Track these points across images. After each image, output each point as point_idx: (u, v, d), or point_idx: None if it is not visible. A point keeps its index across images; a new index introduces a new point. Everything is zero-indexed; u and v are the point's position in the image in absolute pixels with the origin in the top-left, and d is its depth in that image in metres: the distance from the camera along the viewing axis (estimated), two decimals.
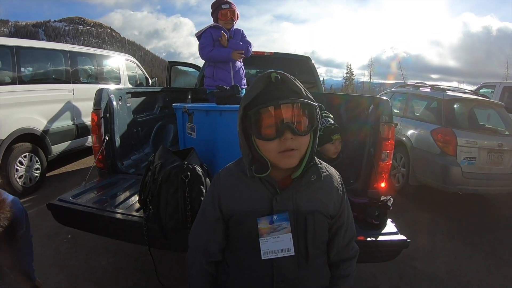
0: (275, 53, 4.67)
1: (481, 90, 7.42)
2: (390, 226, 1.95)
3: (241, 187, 1.02)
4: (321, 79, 5.10)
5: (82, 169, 5.39)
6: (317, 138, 1.01)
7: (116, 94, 2.64)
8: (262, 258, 0.97)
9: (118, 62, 6.93)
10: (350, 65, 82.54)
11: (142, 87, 6.87)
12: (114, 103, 2.57)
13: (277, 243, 0.98)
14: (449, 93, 4.87)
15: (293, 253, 0.98)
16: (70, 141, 5.07)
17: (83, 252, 2.88)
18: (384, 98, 2.53)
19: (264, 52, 4.65)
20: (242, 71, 3.46)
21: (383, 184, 2.37)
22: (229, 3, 3.24)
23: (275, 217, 0.98)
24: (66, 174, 5.15)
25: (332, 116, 2.35)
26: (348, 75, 65.10)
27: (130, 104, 2.93)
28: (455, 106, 4.67)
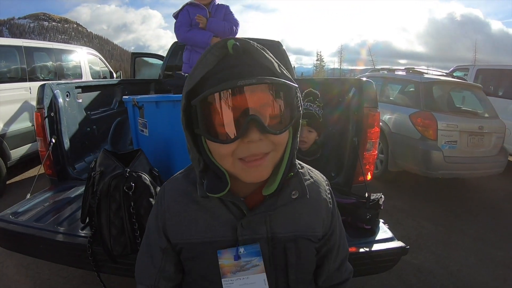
0: (245, 39, 4.42)
1: (455, 73, 7.45)
2: (384, 231, 1.68)
3: (192, 209, 0.73)
4: (292, 66, 4.89)
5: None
6: (298, 136, 0.70)
7: (62, 90, 2.29)
8: None
9: (79, 57, 6.55)
10: (320, 52, 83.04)
11: (95, 80, 6.40)
12: (60, 100, 2.23)
13: (246, 285, 0.70)
14: (426, 75, 4.76)
15: None
16: (30, 144, 4.66)
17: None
18: (367, 79, 2.25)
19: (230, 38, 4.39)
20: None
21: (369, 177, 2.13)
22: None
23: (241, 250, 0.70)
24: (28, 180, 4.72)
25: (321, 105, 2.08)
26: (319, 62, 65.34)
27: (81, 100, 2.60)
28: (433, 89, 4.54)
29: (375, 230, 1.67)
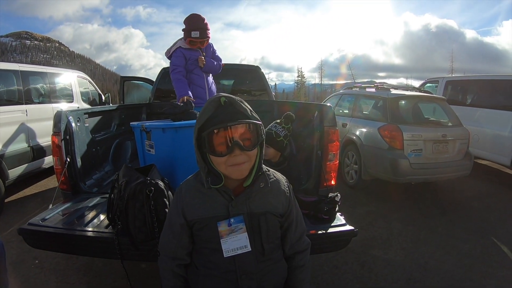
0: (226, 65, 4.80)
1: (426, 85, 7.93)
2: (339, 219, 2.13)
3: (200, 197, 1.17)
4: (273, 83, 5.32)
5: (41, 192, 5.20)
6: (263, 151, 1.17)
7: (74, 116, 2.68)
8: (224, 256, 1.13)
9: (70, 80, 6.75)
10: (301, 68, 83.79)
11: (99, 107, 6.69)
12: (73, 124, 2.61)
13: (235, 242, 1.13)
14: (393, 91, 5.24)
15: (250, 249, 1.14)
16: (26, 164, 4.86)
17: (53, 275, 2.83)
18: (328, 104, 2.78)
19: None
20: (214, 86, 3.52)
21: (332, 182, 2.58)
22: (202, 29, 3.12)
23: (232, 220, 1.14)
24: (25, 198, 4.95)
25: (289, 127, 2.59)
26: (300, 78, 66.15)
27: (88, 124, 2.97)
28: (399, 103, 5.03)
29: (331, 219, 2.12)
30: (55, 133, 2.48)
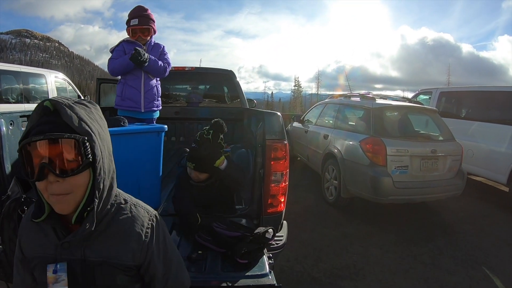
0: (197, 68, 4.41)
1: (419, 97, 7.58)
2: (261, 267, 1.63)
3: (35, 229, 0.94)
4: (270, 92, 4.96)
5: None
6: (100, 178, 0.86)
7: (7, 119, 2.41)
8: None
9: (46, 80, 6.63)
10: (298, 78, 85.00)
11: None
12: (3, 128, 2.35)
13: None
14: (378, 101, 4.78)
15: None
16: None
17: None
18: (277, 112, 2.23)
19: (185, 67, 4.40)
20: (157, 90, 3.11)
21: (280, 207, 2.12)
22: (141, 17, 2.85)
23: (58, 266, 0.90)
24: None
25: (220, 141, 2.21)
26: (296, 87, 66.92)
27: (24, 128, 2.58)
28: (384, 114, 4.56)
29: (250, 265, 1.62)
30: None
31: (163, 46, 3.05)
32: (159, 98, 3.14)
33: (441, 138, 4.66)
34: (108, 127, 2.05)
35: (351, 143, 4.58)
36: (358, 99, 5.29)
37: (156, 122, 3.12)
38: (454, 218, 4.63)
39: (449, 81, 56.08)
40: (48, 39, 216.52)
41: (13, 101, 5.38)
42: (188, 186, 2.20)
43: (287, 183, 2.15)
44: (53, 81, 6.84)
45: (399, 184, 4.00)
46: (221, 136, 2.19)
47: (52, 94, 6.64)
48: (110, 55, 2.90)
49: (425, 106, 5.35)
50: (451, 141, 4.60)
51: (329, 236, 3.82)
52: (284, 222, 2.24)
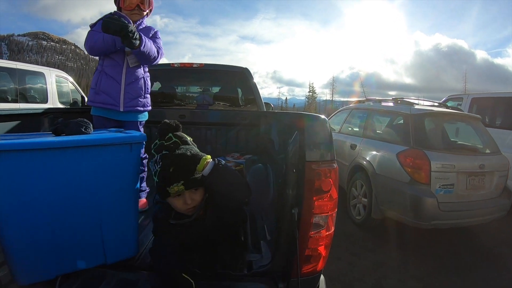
0: (206, 65, 3.68)
1: (448, 104, 6.92)
2: None
3: None
4: (284, 98, 4.30)
5: None
6: None
7: None
8: None
9: (46, 79, 6.17)
10: (313, 83, 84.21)
11: (14, 109, 6.08)
12: None
13: None
14: (417, 107, 4.12)
15: None
16: None
17: None
18: (322, 116, 1.44)
19: (193, 63, 3.67)
20: (144, 85, 2.25)
21: (319, 266, 1.41)
22: None
23: None
24: None
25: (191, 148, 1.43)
26: (311, 93, 66.24)
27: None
28: (425, 122, 3.87)
29: None
30: None
31: (157, 30, 2.28)
32: (148, 95, 2.29)
33: (488, 151, 3.98)
34: (64, 133, 1.39)
35: (385, 155, 3.93)
36: (391, 104, 4.64)
37: (144, 128, 2.33)
38: (495, 242, 3.99)
39: (466, 88, 54.66)
40: (65, 41, 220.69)
41: (3, 101, 5.11)
42: (170, 228, 1.43)
43: (333, 229, 1.41)
44: (54, 80, 6.42)
45: (444, 206, 3.33)
46: (186, 135, 1.47)
47: (52, 94, 6.21)
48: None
49: (468, 113, 4.69)
50: (498, 154, 3.94)
51: (359, 267, 3.19)
52: (322, 277, 1.51)
